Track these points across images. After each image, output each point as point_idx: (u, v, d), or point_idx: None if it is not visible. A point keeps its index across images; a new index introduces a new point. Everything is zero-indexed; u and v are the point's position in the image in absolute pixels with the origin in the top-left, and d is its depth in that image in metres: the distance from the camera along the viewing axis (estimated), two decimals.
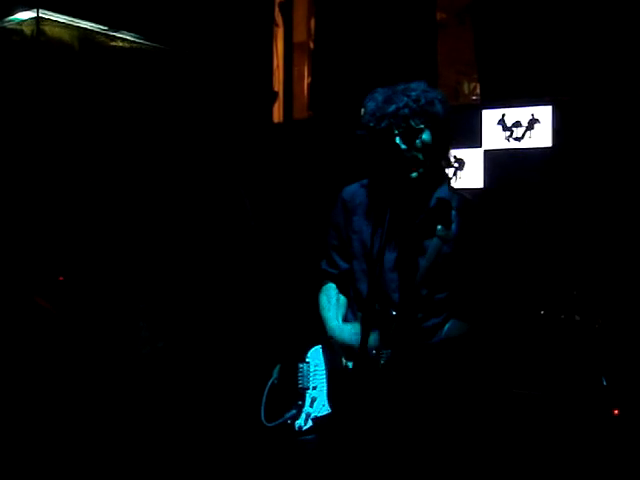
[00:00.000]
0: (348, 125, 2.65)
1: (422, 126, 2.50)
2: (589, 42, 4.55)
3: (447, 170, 2.78)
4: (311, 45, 5.93)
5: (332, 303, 2.78)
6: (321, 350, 2.71)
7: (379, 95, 2.55)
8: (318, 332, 2.73)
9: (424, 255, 2.54)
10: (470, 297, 2.57)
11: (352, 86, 5.16)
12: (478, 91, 5.19)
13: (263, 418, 2.67)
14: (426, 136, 2.50)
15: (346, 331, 2.65)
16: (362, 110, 2.58)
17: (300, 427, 2.61)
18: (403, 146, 2.49)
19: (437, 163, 2.60)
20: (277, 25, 5.95)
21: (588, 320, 3.78)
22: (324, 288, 2.85)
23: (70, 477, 3.72)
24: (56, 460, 3.81)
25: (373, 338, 2.49)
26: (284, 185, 5.40)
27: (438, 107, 2.52)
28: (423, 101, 2.50)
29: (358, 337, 2.43)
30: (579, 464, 3.50)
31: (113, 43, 5.16)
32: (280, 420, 2.64)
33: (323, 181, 4.99)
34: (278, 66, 5.95)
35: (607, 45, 4.48)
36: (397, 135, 2.48)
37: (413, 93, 2.51)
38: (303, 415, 2.63)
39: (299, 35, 5.96)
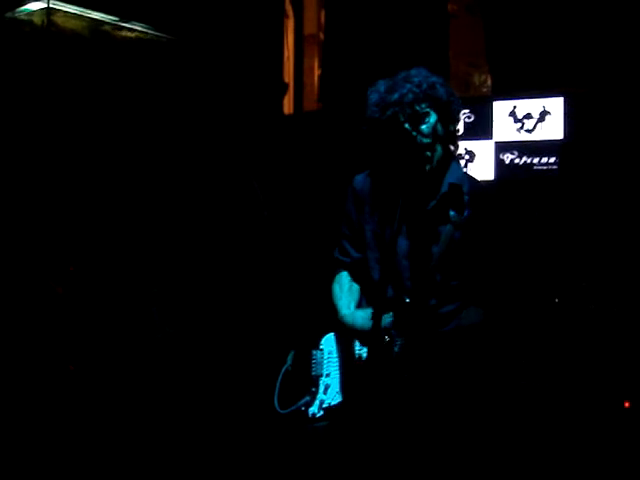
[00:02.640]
0: (358, 116, 2.64)
1: (427, 110, 2.50)
2: (600, 34, 4.55)
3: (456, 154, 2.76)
4: (321, 37, 5.94)
5: (344, 290, 2.78)
6: (334, 337, 2.71)
7: (381, 86, 2.55)
8: (332, 319, 2.73)
9: (437, 242, 2.53)
10: (484, 283, 2.56)
11: (362, 78, 5.11)
12: (489, 83, 5.19)
13: (276, 405, 2.67)
14: (432, 120, 2.50)
15: (358, 317, 2.65)
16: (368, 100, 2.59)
17: (313, 414, 2.60)
18: (412, 133, 2.49)
19: (446, 147, 2.60)
20: (287, 17, 5.96)
21: (600, 310, 3.78)
22: (337, 277, 2.84)
23: (82, 461, 3.73)
24: (67, 442, 3.83)
25: (386, 320, 2.48)
26: (295, 176, 5.41)
27: (441, 90, 2.52)
28: (425, 86, 2.50)
29: (370, 321, 2.44)
30: (590, 456, 3.50)
31: (123, 34, 5.16)
32: (293, 407, 2.64)
33: (333, 172, 4.99)
34: (288, 58, 5.96)
35: (619, 37, 4.47)
36: (404, 122, 2.48)
37: (415, 79, 2.51)
38: (317, 402, 2.62)
39: (309, 27, 5.97)
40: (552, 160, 4.58)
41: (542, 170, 4.60)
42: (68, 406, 4.12)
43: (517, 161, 4.66)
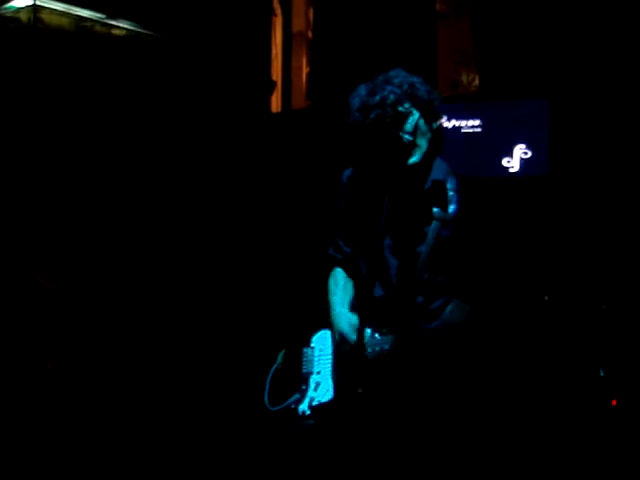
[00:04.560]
0: (346, 115, 2.64)
1: (410, 109, 2.51)
2: (587, 34, 4.56)
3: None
4: (310, 35, 5.94)
5: (339, 287, 2.78)
6: (329, 334, 2.71)
7: (362, 90, 2.56)
8: (323, 317, 2.72)
9: (424, 240, 2.54)
10: (470, 279, 2.56)
11: (351, 76, 5.14)
12: (477, 82, 5.20)
13: (267, 402, 2.67)
14: (415, 118, 2.51)
15: (345, 318, 2.64)
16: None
17: (303, 412, 2.61)
18: (397, 133, 2.49)
19: (430, 145, 2.60)
20: (276, 15, 5.96)
21: (588, 309, 3.78)
22: (332, 273, 2.84)
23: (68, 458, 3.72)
24: (52, 438, 3.82)
25: (370, 331, 2.49)
26: (283, 175, 5.40)
27: (421, 89, 2.53)
28: (406, 86, 2.51)
29: (354, 330, 2.46)
30: (577, 454, 3.51)
31: (111, 31, 5.14)
32: (284, 404, 2.64)
33: (322, 170, 4.99)
34: (276, 56, 5.95)
35: (605, 38, 4.49)
36: (388, 123, 2.49)
37: (395, 80, 2.53)
38: (307, 400, 2.63)
39: (298, 25, 5.96)
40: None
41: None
42: (53, 403, 4.10)
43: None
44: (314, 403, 2.62)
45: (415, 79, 2.56)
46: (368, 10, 5.40)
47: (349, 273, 2.80)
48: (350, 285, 2.79)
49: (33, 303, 4.38)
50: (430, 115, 2.56)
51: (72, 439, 3.85)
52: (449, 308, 2.57)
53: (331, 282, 2.81)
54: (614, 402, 3.65)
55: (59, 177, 4.79)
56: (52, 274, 4.56)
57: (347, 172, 2.79)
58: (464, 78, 5.26)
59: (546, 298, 3.46)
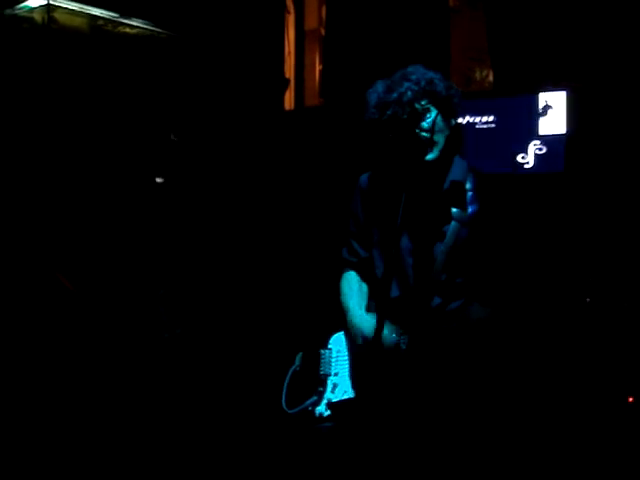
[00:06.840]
0: (359, 112, 2.64)
1: (427, 106, 2.49)
2: (603, 27, 4.54)
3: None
4: (322, 32, 5.94)
5: (354, 290, 2.76)
6: (344, 336, 2.71)
7: (379, 87, 2.55)
8: (340, 318, 2.72)
9: (442, 240, 2.53)
10: (490, 280, 2.55)
11: (363, 73, 5.15)
12: (490, 78, 5.19)
13: (284, 404, 2.67)
14: (433, 115, 2.50)
15: (367, 322, 2.63)
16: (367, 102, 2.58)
17: (321, 414, 2.61)
18: (413, 130, 2.48)
19: (448, 142, 2.59)
20: (288, 12, 5.97)
21: (606, 305, 3.77)
22: (345, 275, 2.83)
23: (88, 461, 3.73)
24: (73, 441, 3.83)
25: (388, 330, 2.49)
26: (296, 172, 5.40)
27: (440, 85, 2.52)
28: (423, 82, 2.49)
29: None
30: (594, 451, 3.50)
31: (124, 30, 5.16)
32: (301, 407, 2.64)
33: (335, 168, 4.99)
34: (289, 53, 5.96)
35: (621, 31, 4.47)
36: (405, 120, 2.48)
37: (413, 77, 2.51)
38: (324, 402, 2.63)
39: (310, 22, 5.98)
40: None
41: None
42: (74, 404, 4.12)
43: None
44: (325, 403, 2.62)
45: (434, 75, 2.54)
46: (381, 6, 5.39)
47: (363, 276, 2.80)
48: (365, 288, 2.78)
49: (54, 303, 4.40)
50: (449, 111, 2.54)
51: (89, 442, 3.86)
52: (468, 310, 2.56)
53: (344, 285, 2.80)
54: (631, 399, 3.65)
55: (75, 177, 4.81)
56: (74, 275, 4.59)
57: (364, 176, 2.78)
58: (478, 74, 5.25)
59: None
